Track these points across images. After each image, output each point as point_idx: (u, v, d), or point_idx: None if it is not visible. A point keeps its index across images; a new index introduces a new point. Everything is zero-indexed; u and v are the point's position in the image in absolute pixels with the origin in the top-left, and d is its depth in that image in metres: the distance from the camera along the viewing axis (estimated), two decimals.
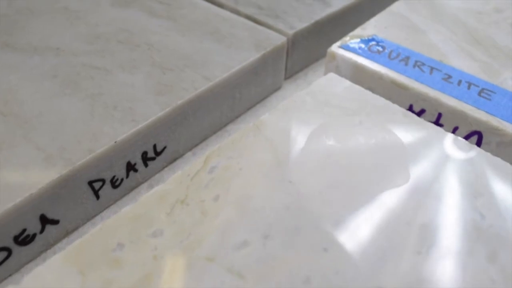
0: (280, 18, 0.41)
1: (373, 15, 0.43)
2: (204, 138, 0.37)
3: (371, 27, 0.41)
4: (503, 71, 0.37)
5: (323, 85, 0.35)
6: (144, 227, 0.26)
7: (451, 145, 0.31)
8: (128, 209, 0.27)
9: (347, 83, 0.35)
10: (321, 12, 0.42)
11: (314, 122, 0.32)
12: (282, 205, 0.27)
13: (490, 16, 0.45)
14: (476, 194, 0.28)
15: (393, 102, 0.37)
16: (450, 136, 0.32)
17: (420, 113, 0.36)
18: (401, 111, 0.33)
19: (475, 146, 0.31)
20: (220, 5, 0.44)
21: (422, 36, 0.41)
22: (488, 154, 0.31)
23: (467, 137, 0.34)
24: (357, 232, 0.26)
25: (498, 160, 0.30)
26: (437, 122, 0.35)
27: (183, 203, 0.27)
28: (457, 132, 0.35)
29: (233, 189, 0.28)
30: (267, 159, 0.29)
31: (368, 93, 0.34)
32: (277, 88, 0.42)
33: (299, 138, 0.31)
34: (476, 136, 0.34)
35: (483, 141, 0.34)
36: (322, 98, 0.34)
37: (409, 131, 0.32)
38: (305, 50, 0.42)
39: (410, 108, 0.36)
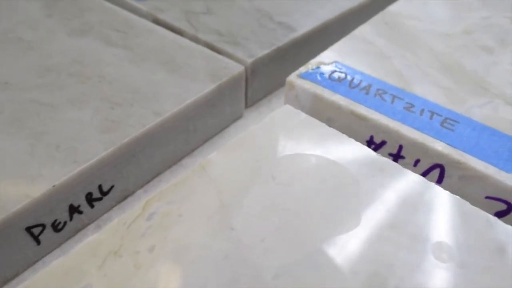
0: (240, 45, 0.40)
1: (339, 39, 0.42)
2: (157, 174, 0.35)
3: (334, 53, 0.40)
4: (468, 99, 0.36)
5: (277, 119, 0.33)
6: (73, 282, 0.25)
7: (408, 183, 0.30)
8: (58, 262, 0.26)
9: (303, 116, 0.33)
10: (284, 38, 0.41)
11: (263, 161, 0.30)
12: (221, 255, 0.25)
13: (459, 38, 0.43)
14: (432, 236, 0.26)
15: (354, 132, 0.35)
16: (407, 174, 0.30)
17: (381, 145, 0.34)
18: (357, 147, 0.31)
19: (433, 184, 0.29)
20: (180, 32, 0.42)
21: (386, 62, 0.39)
22: (446, 192, 0.29)
23: (429, 170, 0.33)
24: (300, 284, 0.24)
25: (456, 198, 0.29)
26: (398, 154, 0.34)
27: (116, 254, 0.25)
28: (419, 164, 0.33)
29: (170, 238, 0.26)
30: (210, 203, 0.28)
31: (324, 127, 0.33)
32: (237, 118, 0.40)
33: (246, 179, 0.29)
34: (438, 169, 0.32)
35: (446, 174, 0.32)
36: (275, 133, 0.32)
37: (364, 169, 0.30)
38: (267, 77, 0.41)
39: (371, 140, 0.35)
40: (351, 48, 0.40)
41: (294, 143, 0.31)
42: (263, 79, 0.41)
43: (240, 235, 0.26)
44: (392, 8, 0.46)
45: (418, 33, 0.43)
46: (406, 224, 0.27)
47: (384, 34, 0.43)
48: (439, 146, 0.32)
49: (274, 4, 0.46)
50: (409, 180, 0.30)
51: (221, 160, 0.30)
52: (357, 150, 0.31)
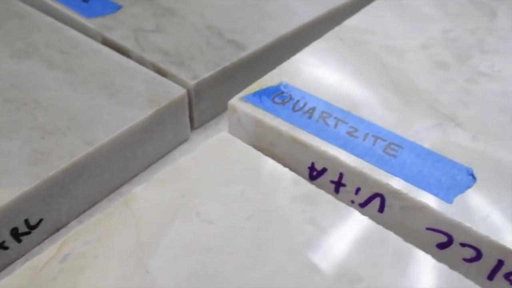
0: (185, 65, 0.39)
1: (291, 56, 0.41)
2: (93, 203, 0.34)
3: (281, 72, 0.38)
4: (417, 121, 0.34)
5: (212, 148, 0.32)
6: None
7: (339, 217, 0.28)
8: None
9: (239, 144, 0.32)
10: (231, 57, 0.40)
11: (190, 196, 0.29)
12: None
13: (414, 54, 0.41)
14: (357, 278, 0.25)
15: (296, 158, 0.34)
16: (340, 207, 0.29)
17: (322, 172, 0.33)
18: (291, 178, 0.30)
19: (366, 219, 0.28)
20: (126, 52, 0.41)
21: (335, 82, 0.37)
22: (380, 227, 0.28)
23: (369, 199, 0.31)
24: None
25: (390, 234, 0.28)
26: (339, 182, 0.32)
27: None
28: (360, 193, 0.32)
29: (83, 282, 0.25)
30: (128, 243, 0.27)
31: (261, 156, 0.31)
32: (182, 141, 0.39)
33: (169, 215, 0.28)
34: (379, 199, 0.31)
35: (386, 204, 0.31)
36: (207, 163, 0.31)
37: (295, 203, 0.29)
38: (214, 98, 0.40)
39: (312, 166, 0.33)
40: (301, 67, 0.39)
41: (225, 175, 0.30)
42: (210, 100, 0.39)
43: (155, 279, 0.25)
44: (348, 22, 0.45)
45: (373, 49, 0.42)
46: (334, 262, 0.26)
47: (337, 51, 0.41)
48: (379, 175, 0.30)
49: (227, 20, 0.44)
50: (341, 214, 0.28)
51: (146, 195, 0.29)
52: (291, 182, 0.30)
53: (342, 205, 0.29)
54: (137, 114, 0.34)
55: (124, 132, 0.33)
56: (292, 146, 0.33)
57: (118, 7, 0.46)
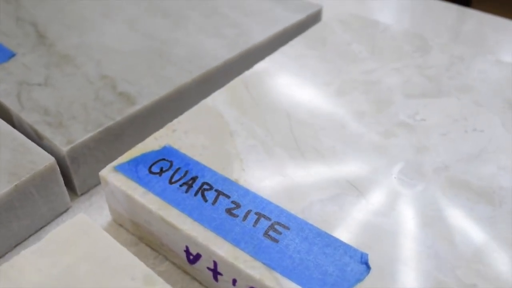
0: (64, 127, 0.34)
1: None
2: None
3: (169, 133, 0.33)
4: (313, 191, 0.29)
5: (64, 232, 0.27)
6: None
7: None
8: None
9: (95, 230, 0.27)
10: (117, 115, 0.35)
11: None
12: None
13: (327, 102, 0.37)
14: None
15: (171, 240, 0.29)
16: None
17: (197, 257, 0.28)
18: (141, 271, 0.25)
19: None
20: (6, 110, 0.37)
21: (228, 142, 0.33)
22: None
23: None
24: None
25: None
26: (215, 270, 0.28)
27: None
28: (237, 284, 0.27)
29: None
30: None
31: (115, 245, 0.26)
32: (62, 211, 0.34)
33: None
34: None
35: None
36: (55, 250, 0.26)
37: None
38: (100, 160, 0.35)
39: (187, 250, 0.28)
40: (193, 124, 0.34)
41: (73, 266, 0.25)
42: (94, 163, 0.35)
43: None
44: (260, 64, 0.40)
45: (280, 98, 0.37)
46: None
47: (239, 101, 0.36)
48: (253, 268, 0.25)
49: (125, 68, 0.40)
50: None
51: None
52: (142, 283, 0.25)
53: None
54: None
55: None
56: (164, 226, 0.29)
57: (10, 55, 0.42)
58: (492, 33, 0.55)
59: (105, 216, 0.34)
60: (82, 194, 0.36)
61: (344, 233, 0.27)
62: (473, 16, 0.59)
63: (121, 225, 0.33)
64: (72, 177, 0.34)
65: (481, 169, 0.31)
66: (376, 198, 0.29)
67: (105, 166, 0.31)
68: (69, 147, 0.33)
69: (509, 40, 0.54)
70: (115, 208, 0.32)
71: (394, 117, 0.35)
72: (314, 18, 0.49)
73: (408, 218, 0.28)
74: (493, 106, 0.37)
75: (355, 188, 0.30)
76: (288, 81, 0.38)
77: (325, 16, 0.52)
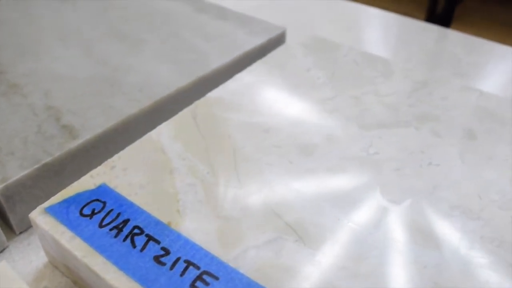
0: (0, 163, 0.33)
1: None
2: None
3: (106, 170, 0.32)
4: (248, 235, 0.28)
5: None
6: None
7: None
8: None
9: (15, 281, 0.26)
10: (57, 150, 0.34)
11: None
12: None
13: (271, 135, 0.35)
14: None
15: None
16: None
17: None
18: None
19: None
20: None
21: (167, 179, 0.31)
22: None
23: None
24: None
25: None
26: None
27: None
28: None
29: None
30: None
31: None
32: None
33: None
34: None
35: None
36: None
37: None
38: (40, 197, 0.34)
39: None
40: (134, 160, 0.33)
41: None
42: (33, 201, 0.33)
43: None
44: (213, 93, 0.39)
45: (230, 130, 0.35)
46: None
47: (184, 134, 0.35)
48: None
49: (73, 97, 0.38)
50: None
51: None
52: None
53: None
54: None
55: None
56: (90, 274, 0.27)
57: None
58: (467, 55, 0.53)
59: (42, 257, 0.32)
60: (21, 233, 0.34)
61: (278, 284, 0.25)
62: (451, 37, 0.58)
63: (56, 267, 0.32)
64: (8, 216, 0.33)
65: (432, 208, 0.30)
66: (316, 244, 0.27)
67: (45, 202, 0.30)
68: (2, 185, 0.31)
69: (484, 62, 0.52)
70: (48, 250, 0.31)
71: (346, 151, 0.33)
72: (277, 41, 0.47)
73: (352, 265, 0.26)
74: (453, 136, 0.35)
75: (294, 232, 0.28)
76: (238, 111, 0.37)
77: (290, 38, 0.50)
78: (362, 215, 0.29)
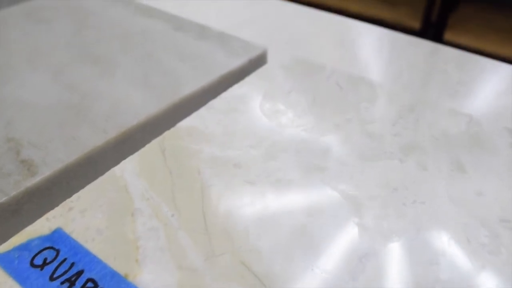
0: None
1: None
2: None
3: (63, 212, 0.29)
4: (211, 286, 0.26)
5: None
6: None
7: None
8: None
9: None
10: (12, 189, 0.31)
11: None
12: None
13: (254, 168, 0.32)
14: None
15: None
16: None
17: None
18: None
19: None
20: None
21: (128, 223, 0.28)
22: None
23: None
24: None
25: None
26: None
27: None
28: None
29: None
30: None
31: None
32: None
33: None
34: None
35: None
36: None
37: None
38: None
39: None
40: (94, 201, 0.30)
41: None
42: None
43: None
44: (184, 123, 0.36)
45: (199, 166, 0.32)
46: None
47: (150, 170, 0.32)
48: None
49: (36, 128, 0.36)
50: None
51: None
52: None
53: None
54: None
55: None
56: None
57: None
58: (458, 73, 0.51)
59: None
60: None
61: None
62: (442, 53, 0.55)
63: None
64: None
65: (416, 255, 0.27)
66: None
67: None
68: None
69: (475, 79, 0.50)
70: None
71: (323, 189, 0.31)
72: (258, 61, 0.45)
73: None
74: (440, 169, 0.32)
75: (263, 285, 0.25)
76: (210, 143, 0.34)
77: (273, 55, 0.48)
78: (338, 263, 0.27)
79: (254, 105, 0.38)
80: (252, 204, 0.30)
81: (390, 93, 0.39)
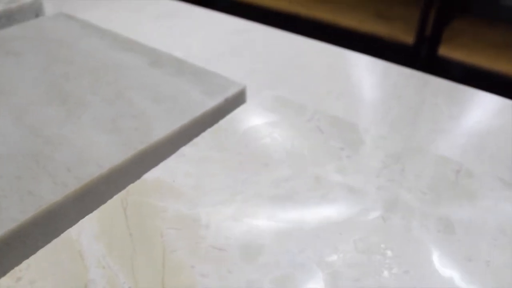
0: None
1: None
2: None
3: (11, 283, 0.26)
4: None
5: None
6: None
7: None
8: None
9: None
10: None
11: None
12: None
13: (221, 227, 0.29)
14: None
15: None
16: None
17: None
18: None
19: None
20: None
21: None
22: None
23: None
24: None
25: None
26: None
27: None
28: None
29: None
30: None
31: None
32: None
33: None
34: None
35: None
36: None
37: None
38: None
39: None
40: (45, 269, 0.27)
41: None
42: None
43: None
44: (151, 174, 0.33)
45: (163, 226, 0.29)
46: None
47: (110, 232, 0.29)
48: None
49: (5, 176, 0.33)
50: None
51: None
52: None
53: None
54: None
55: None
56: None
57: None
58: (448, 106, 0.49)
59: None
60: None
61: None
62: (432, 85, 0.53)
63: None
64: None
65: None
66: None
67: None
68: None
69: (466, 112, 0.47)
70: None
71: (297, 256, 0.28)
72: (236, 101, 0.42)
73: None
74: (427, 230, 0.30)
75: None
76: (177, 199, 0.31)
77: (253, 91, 0.45)
78: None
79: (227, 153, 0.35)
80: (217, 275, 0.27)
81: (375, 138, 0.37)
